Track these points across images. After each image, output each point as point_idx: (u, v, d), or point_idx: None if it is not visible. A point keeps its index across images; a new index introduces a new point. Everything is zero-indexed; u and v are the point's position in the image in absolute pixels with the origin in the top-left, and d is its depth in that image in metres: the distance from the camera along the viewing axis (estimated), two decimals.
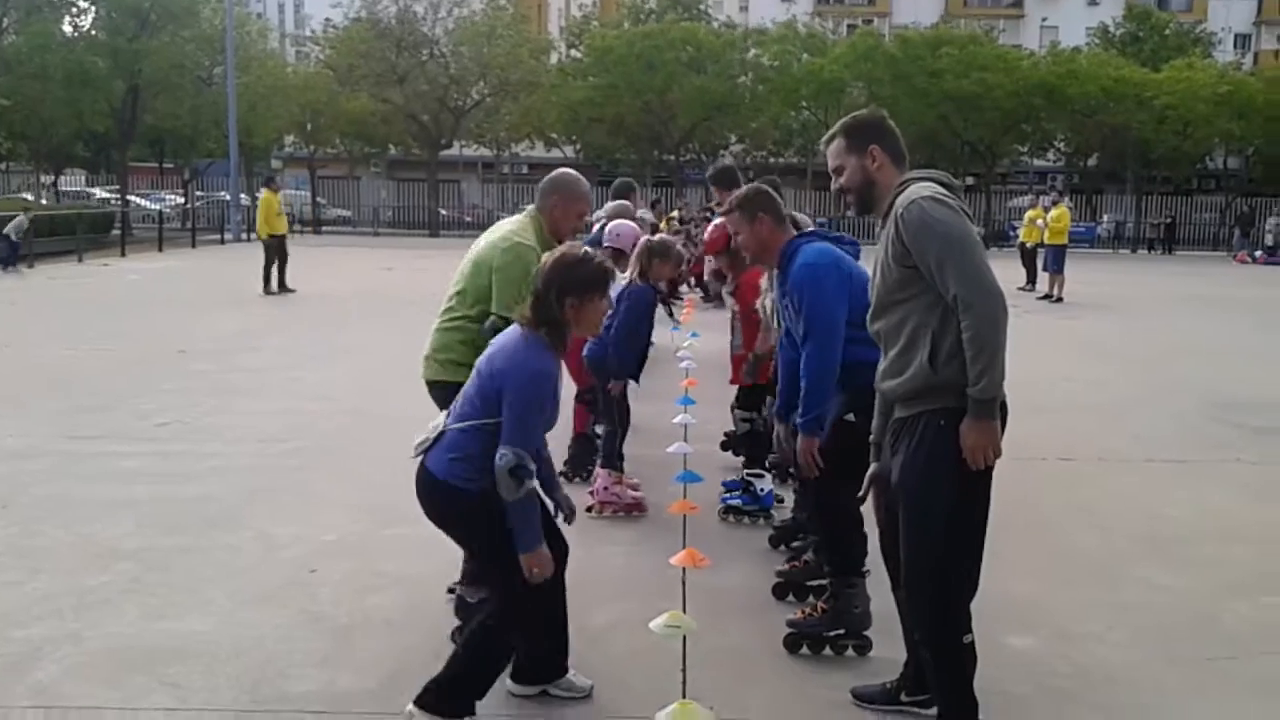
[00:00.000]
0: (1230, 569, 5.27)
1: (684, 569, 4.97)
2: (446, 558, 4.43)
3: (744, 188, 4.55)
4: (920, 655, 3.34)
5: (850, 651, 4.10)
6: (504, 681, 3.64)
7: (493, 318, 3.95)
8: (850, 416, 3.91)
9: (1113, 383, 10.72)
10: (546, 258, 3.38)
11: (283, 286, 17.70)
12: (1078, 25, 53.61)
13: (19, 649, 4.01)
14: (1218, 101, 37.22)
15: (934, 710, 3.43)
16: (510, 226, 4.23)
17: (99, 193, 43.52)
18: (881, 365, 3.27)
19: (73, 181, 48.62)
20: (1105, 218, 45.97)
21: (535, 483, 3.21)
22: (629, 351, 6.01)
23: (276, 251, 17.72)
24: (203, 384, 9.52)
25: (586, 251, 3.40)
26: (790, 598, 4.68)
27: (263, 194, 18.86)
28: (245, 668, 3.90)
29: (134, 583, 4.71)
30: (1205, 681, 4.00)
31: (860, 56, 39.14)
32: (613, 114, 41.54)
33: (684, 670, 3.98)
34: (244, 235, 33.75)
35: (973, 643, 3.18)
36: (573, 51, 47.56)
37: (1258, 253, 34.61)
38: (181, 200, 42.71)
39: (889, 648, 3.87)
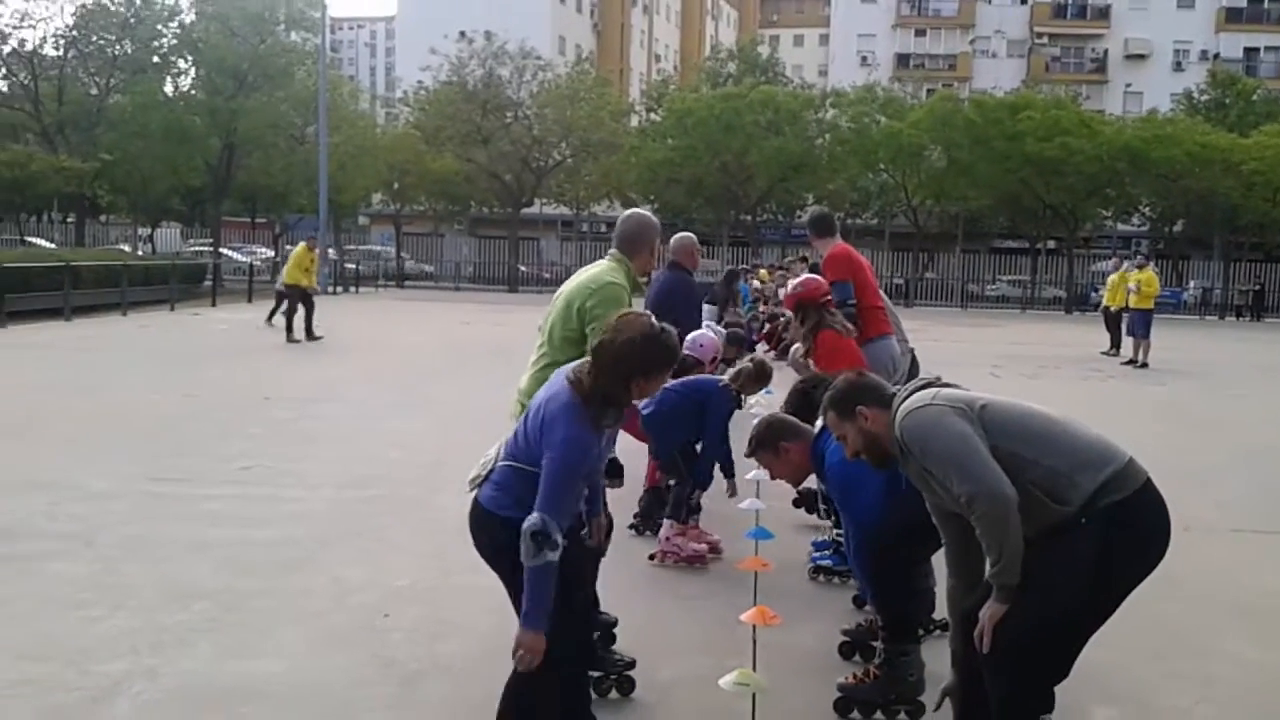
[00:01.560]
0: None
1: (754, 626, 4.91)
2: (511, 608, 4.49)
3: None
4: None
5: (903, 717, 4.01)
6: None
7: None
8: None
9: (1198, 450, 10.41)
10: (614, 328, 3.23)
11: (309, 334, 18.08)
12: (1163, 90, 53.03)
13: (97, 683, 4.10)
14: None
15: None
16: (600, 269, 4.27)
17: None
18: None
19: (169, 237, 50.31)
20: (1192, 284, 45.01)
21: (555, 556, 3.09)
22: (721, 454, 6.14)
23: (295, 301, 18.08)
24: (285, 430, 9.72)
25: (656, 327, 3.24)
26: (857, 657, 4.60)
27: (299, 246, 19.11)
28: (316, 710, 3.93)
29: (211, 622, 4.79)
30: None
31: (939, 121, 39.03)
32: (690, 175, 41.94)
33: None
34: (330, 289, 34.56)
35: None
36: (652, 114, 48.27)
37: None
38: (271, 254, 43.91)
39: (943, 713, 3.74)
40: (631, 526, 6.49)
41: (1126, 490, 3.06)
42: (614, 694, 4.17)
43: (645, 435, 6.28)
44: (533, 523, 3.05)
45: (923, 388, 3.35)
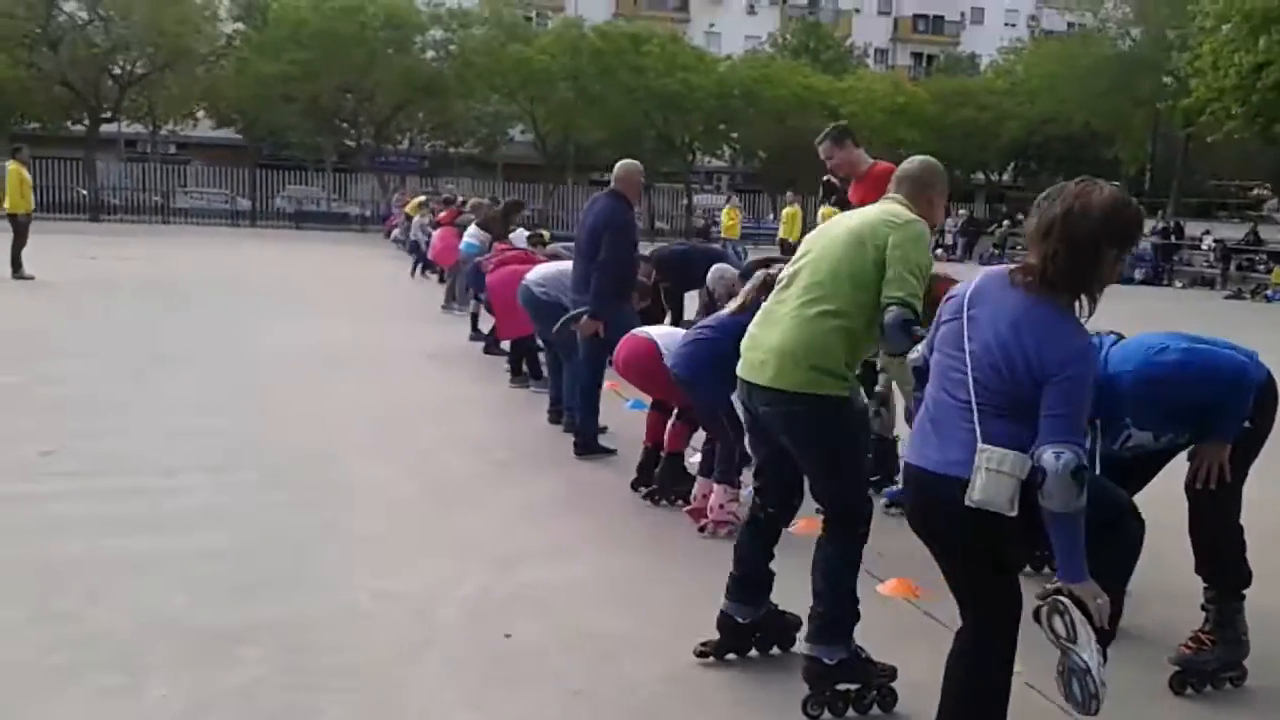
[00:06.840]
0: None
1: (907, 600, 4.44)
2: (648, 604, 4.12)
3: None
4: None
5: (1228, 685, 3.76)
6: None
7: (895, 308, 3.29)
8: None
9: None
10: (1076, 195, 2.71)
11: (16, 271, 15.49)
12: (738, 33, 56.16)
13: None
14: (894, 111, 40.31)
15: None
16: (891, 207, 3.54)
17: None
18: None
19: None
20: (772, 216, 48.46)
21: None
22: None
23: (22, 230, 15.62)
24: (39, 401, 7.64)
25: (1124, 194, 2.80)
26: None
27: (10, 165, 16.42)
28: None
29: (286, 677, 3.55)
30: None
31: (568, 47, 38.73)
32: (309, 93, 38.33)
33: None
34: None
35: None
36: (239, 25, 42.87)
37: (938, 251, 37.91)
38: None
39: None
40: (647, 496, 5.71)
41: None
42: (876, 709, 3.54)
43: (673, 391, 5.45)
44: (1067, 461, 2.58)
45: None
